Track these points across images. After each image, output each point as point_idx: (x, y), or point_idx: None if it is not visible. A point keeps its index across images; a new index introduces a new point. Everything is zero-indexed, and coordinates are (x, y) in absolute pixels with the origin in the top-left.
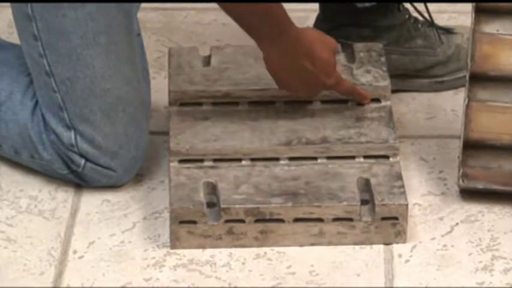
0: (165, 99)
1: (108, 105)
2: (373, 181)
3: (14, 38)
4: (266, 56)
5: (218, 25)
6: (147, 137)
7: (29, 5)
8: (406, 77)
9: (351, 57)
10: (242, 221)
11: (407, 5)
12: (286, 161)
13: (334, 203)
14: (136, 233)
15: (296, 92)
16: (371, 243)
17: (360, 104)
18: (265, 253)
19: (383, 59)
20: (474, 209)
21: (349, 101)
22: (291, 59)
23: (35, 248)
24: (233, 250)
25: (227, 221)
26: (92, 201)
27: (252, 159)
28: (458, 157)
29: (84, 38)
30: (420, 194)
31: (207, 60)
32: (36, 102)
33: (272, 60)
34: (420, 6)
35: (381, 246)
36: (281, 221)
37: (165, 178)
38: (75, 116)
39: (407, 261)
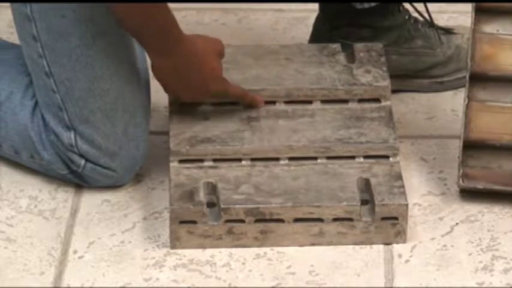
0: (165, 99)
1: (107, 106)
2: (373, 181)
3: (14, 38)
4: (155, 66)
5: (218, 25)
6: (147, 137)
7: (28, 5)
8: (406, 78)
9: (351, 57)
10: (242, 221)
11: (407, 6)
12: (286, 161)
13: (334, 203)
14: (136, 233)
15: (182, 97)
16: (371, 243)
17: (254, 106)
18: (265, 253)
19: (383, 59)
20: (474, 209)
21: (349, 101)
22: (182, 70)
23: (35, 248)
24: (233, 250)
25: (227, 221)
26: (92, 201)
27: (252, 159)
28: (458, 157)
29: (83, 39)
30: (420, 194)
31: None
32: (36, 102)
33: (161, 69)
34: (420, 6)
35: (381, 246)
36: (281, 221)
37: (165, 178)
38: (74, 117)
39: (407, 261)
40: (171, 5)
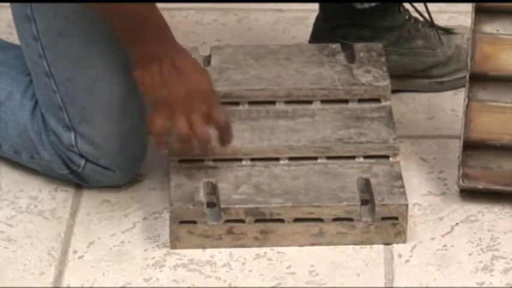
0: None
1: (108, 106)
2: (373, 181)
3: (14, 38)
4: (140, 63)
5: (218, 25)
6: (147, 137)
7: (28, 5)
8: (406, 78)
9: (351, 57)
10: (242, 221)
11: (408, 6)
12: (286, 161)
13: (334, 203)
14: (136, 233)
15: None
16: (371, 243)
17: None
18: (265, 253)
19: (383, 59)
20: (474, 209)
21: (349, 101)
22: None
23: (35, 248)
24: (233, 250)
25: (227, 221)
26: (92, 201)
27: (252, 159)
28: (458, 157)
29: (83, 39)
30: (420, 194)
31: (207, 60)
32: (36, 102)
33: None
34: (420, 6)
35: (381, 246)
36: (281, 221)
37: (165, 178)
38: (74, 117)
39: (407, 261)
40: (171, 5)
